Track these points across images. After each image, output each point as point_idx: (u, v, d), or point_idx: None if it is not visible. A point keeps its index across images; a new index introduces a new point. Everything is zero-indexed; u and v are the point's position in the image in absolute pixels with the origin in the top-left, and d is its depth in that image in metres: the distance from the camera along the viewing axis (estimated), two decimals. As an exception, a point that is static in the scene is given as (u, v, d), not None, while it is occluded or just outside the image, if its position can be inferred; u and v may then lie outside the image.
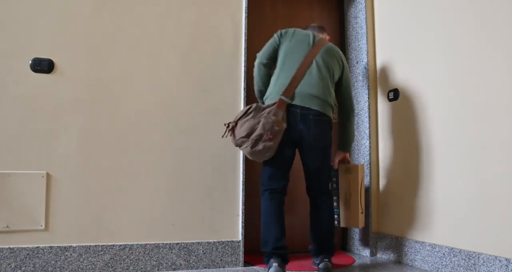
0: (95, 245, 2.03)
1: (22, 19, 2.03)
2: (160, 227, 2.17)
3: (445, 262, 2.11)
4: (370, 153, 2.68)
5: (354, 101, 2.71)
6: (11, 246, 1.91)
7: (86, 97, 2.11)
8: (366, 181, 2.67)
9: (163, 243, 2.15)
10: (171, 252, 2.16)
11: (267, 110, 2.02)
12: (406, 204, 2.42)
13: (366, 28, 2.77)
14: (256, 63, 2.22)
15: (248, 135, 2.00)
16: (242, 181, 2.32)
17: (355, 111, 2.75)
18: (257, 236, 2.60)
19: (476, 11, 2.03)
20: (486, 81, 1.96)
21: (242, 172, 2.33)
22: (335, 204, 2.46)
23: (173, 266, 2.15)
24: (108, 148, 2.12)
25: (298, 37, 2.20)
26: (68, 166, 2.04)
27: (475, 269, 1.95)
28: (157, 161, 2.19)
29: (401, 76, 2.52)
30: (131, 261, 2.08)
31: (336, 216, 2.25)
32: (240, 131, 2.02)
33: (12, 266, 1.90)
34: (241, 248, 2.28)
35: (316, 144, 2.08)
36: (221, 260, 2.24)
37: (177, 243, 2.17)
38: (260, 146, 1.97)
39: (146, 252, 2.11)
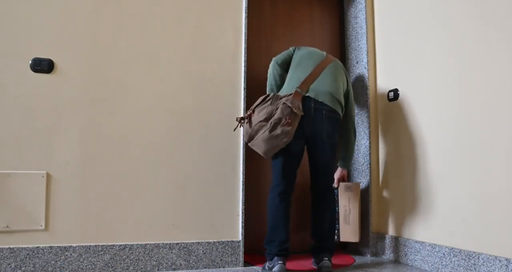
0: (95, 245, 2.03)
1: (22, 19, 2.03)
2: (160, 227, 2.17)
3: (445, 262, 2.11)
4: (370, 153, 2.68)
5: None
6: (11, 246, 1.91)
7: (86, 97, 2.11)
8: (366, 181, 2.67)
9: (163, 243, 2.15)
10: (171, 252, 2.16)
11: (285, 98, 2.09)
12: (406, 204, 2.42)
13: (366, 28, 2.77)
14: (271, 63, 2.33)
15: (266, 119, 2.05)
16: (242, 181, 2.32)
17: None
18: (257, 236, 2.60)
19: (477, 11, 2.03)
20: (487, 80, 1.96)
21: (242, 172, 2.33)
22: None
23: (173, 266, 2.15)
24: (108, 148, 2.12)
25: (311, 50, 2.36)
26: (68, 166, 2.04)
27: (475, 269, 1.95)
28: (157, 161, 2.19)
29: (401, 76, 2.52)
30: (131, 261, 2.08)
31: (335, 231, 2.31)
32: (259, 116, 2.07)
33: (12, 266, 1.90)
34: (241, 248, 2.28)
35: (328, 141, 2.14)
36: (221, 260, 2.24)
37: (177, 243, 2.17)
38: (278, 130, 2.01)
39: (146, 252, 2.11)
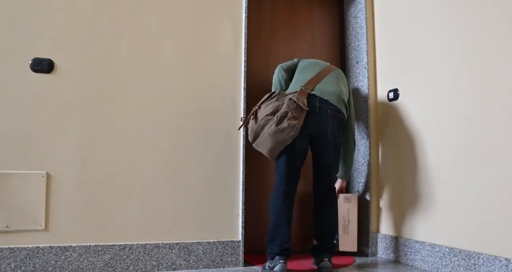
0: (95, 245, 2.03)
1: (22, 19, 2.03)
2: (160, 227, 2.17)
3: (445, 262, 2.11)
4: (370, 153, 2.68)
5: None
6: (11, 246, 1.91)
7: (86, 97, 2.11)
8: (366, 180, 2.67)
9: (163, 243, 2.15)
10: (171, 252, 2.16)
11: (290, 95, 2.12)
12: (406, 204, 2.42)
13: (366, 28, 2.77)
14: (277, 69, 2.38)
15: (273, 113, 2.07)
16: (242, 181, 2.32)
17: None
18: (257, 236, 2.61)
19: (477, 10, 2.03)
20: (487, 80, 1.96)
21: (242, 172, 2.33)
22: None
23: (173, 266, 2.15)
24: (108, 148, 2.12)
25: (315, 60, 2.42)
26: (68, 166, 2.04)
27: (475, 269, 1.95)
28: (157, 161, 2.20)
29: (401, 76, 2.52)
30: (131, 261, 2.08)
31: (334, 241, 2.34)
32: (265, 111, 2.09)
33: (12, 266, 1.90)
34: (241, 248, 2.28)
35: (333, 140, 2.16)
36: (221, 260, 2.24)
37: (177, 243, 2.17)
38: (285, 124, 2.03)
39: (146, 252, 2.11)
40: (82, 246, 2.01)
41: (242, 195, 2.31)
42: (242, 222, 2.30)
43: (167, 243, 2.16)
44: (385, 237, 2.56)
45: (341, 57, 2.99)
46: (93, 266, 2.02)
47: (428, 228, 2.26)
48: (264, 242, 2.60)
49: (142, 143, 2.18)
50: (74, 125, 2.07)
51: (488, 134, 1.93)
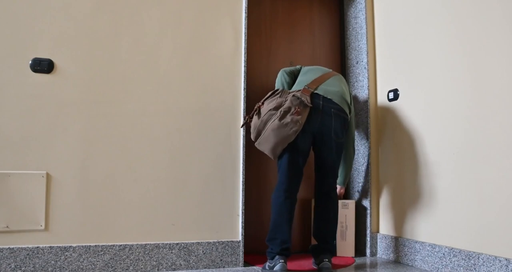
0: (95, 245, 2.03)
1: (22, 19, 2.03)
2: (160, 227, 2.17)
3: (445, 262, 2.11)
4: (370, 153, 2.68)
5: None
6: (11, 246, 1.91)
7: (86, 97, 2.11)
8: (366, 181, 2.67)
9: (163, 243, 2.15)
10: (171, 252, 2.16)
11: (294, 92, 2.13)
12: (406, 204, 2.42)
13: (366, 28, 2.78)
14: (280, 72, 2.40)
15: (276, 108, 2.07)
16: (242, 181, 2.32)
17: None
18: (257, 236, 2.61)
19: (477, 10, 2.03)
20: (487, 80, 1.96)
21: (242, 172, 2.33)
22: None
23: (173, 266, 2.15)
24: (108, 148, 2.12)
25: (317, 66, 2.44)
26: (68, 166, 2.04)
27: (475, 269, 1.95)
28: (157, 161, 2.19)
29: (401, 76, 2.52)
30: (131, 261, 2.08)
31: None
32: (268, 106, 2.10)
33: (12, 266, 1.90)
34: (241, 248, 2.28)
35: (336, 139, 2.16)
36: (221, 260, 2.24)
37: (177, 243, 2.17)
38: (288, 118, 2.03)
39: (146, 252, 2.11)
40: (82, 246, 2.01)
41: (242, 195, 2.31)
42: (242, 222, 2.30)
43: (167, 243, 2.16)
44: (385, 237, 2.56)
45: (341, 57, 2.99)
46: (93, 266, 2.02)
47: (428, 228, 2.26)
48: (264, 242, 2.60)
49: (142, 143, 2.18)
50: (74, 125, 2.07)
51: (488, 134, 1.93)
